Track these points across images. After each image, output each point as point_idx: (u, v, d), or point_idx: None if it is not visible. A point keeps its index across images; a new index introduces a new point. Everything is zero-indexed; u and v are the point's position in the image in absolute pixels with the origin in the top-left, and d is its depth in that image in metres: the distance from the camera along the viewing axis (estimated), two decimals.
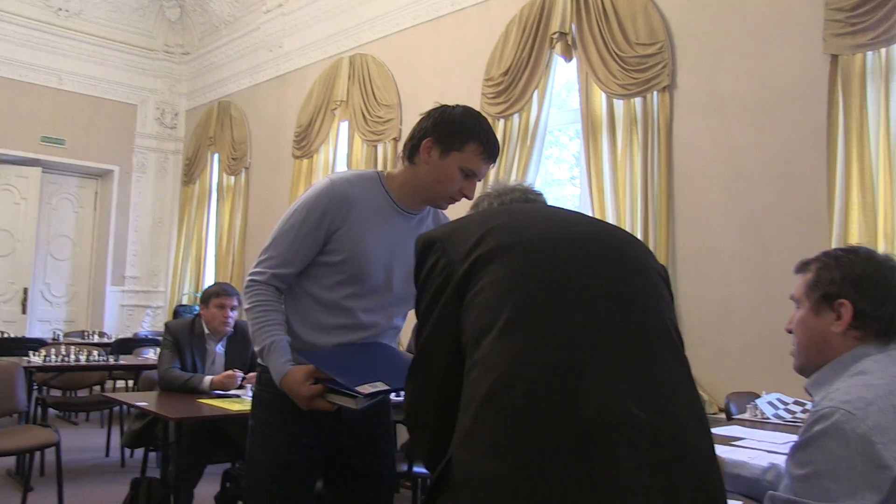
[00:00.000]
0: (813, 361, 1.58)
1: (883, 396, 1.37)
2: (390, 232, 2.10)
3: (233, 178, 8.29)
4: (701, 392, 4.00)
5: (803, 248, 3.76)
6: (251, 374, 3.82)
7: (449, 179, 2.03)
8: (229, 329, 4.05)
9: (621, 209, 4.46)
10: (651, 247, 4.28)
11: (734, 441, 2.52)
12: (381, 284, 2.10)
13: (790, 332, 1.64)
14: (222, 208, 8.42)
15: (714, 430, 2.46)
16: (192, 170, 9.07)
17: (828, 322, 1.55)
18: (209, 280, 8.49)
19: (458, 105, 2.08)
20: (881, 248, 3.47)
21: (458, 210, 2.39)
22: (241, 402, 3.47)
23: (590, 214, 4.52)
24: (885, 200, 3.48)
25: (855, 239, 3.55)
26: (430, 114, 2.08)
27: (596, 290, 1.26)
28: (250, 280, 2.10)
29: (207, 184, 8.89)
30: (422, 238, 1.41)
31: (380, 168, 6.09)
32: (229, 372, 3.84)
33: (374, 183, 2.14)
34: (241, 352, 4.05)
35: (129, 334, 8.18)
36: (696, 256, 4.23)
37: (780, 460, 1.81)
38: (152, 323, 9.04)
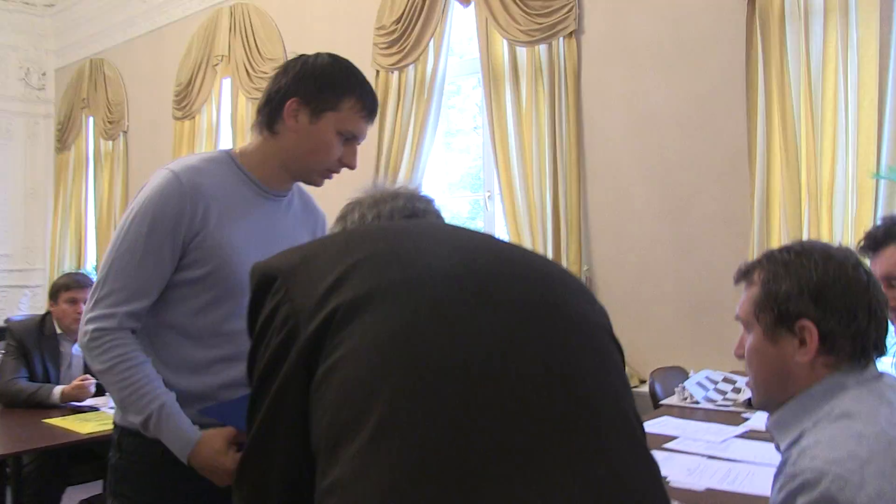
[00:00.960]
0: (775, 398, 1.23)
1: (880, 452, 1.02)
2: (260, 223, 1.66)
3: (110, 143, 7.58)
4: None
5: (724, 204, 3.59)
6: None
7: (326, 147, 1.61)
8: None
9: (528, 166, 4.10)
10: (562, 203, 3.93)
11: (667, 442, 2.21)
12: None
13: (740, 357, 1.28)
14: (100, 176, 7.72)
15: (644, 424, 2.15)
16: (65, 135, 8.26)
17: (789, 351, 1.20)
18: (91, 255, 7.85)
19: (320, 53, 1.65)
20: (804, 205, 3.23)
21: (331, 189, 1.95)
22: (97, 419, 2.94)
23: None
24: (808, 152, 3.23)
25: (777, 194, 3.32)
26: (286, 68, 1.63)
27: (521, 364, 0.84)
28: (95, 330, 1.54)
29: (83, 150, 8.11)
30: (258, 269, 0.96)
31: None
32: (77, 382, 3.26)
33: (228, 165, 1.67)
34: None
35: (1, 320, 7.45)
36: (609, 214, 3.92)
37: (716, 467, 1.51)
38: (31, 304, 8.27)
